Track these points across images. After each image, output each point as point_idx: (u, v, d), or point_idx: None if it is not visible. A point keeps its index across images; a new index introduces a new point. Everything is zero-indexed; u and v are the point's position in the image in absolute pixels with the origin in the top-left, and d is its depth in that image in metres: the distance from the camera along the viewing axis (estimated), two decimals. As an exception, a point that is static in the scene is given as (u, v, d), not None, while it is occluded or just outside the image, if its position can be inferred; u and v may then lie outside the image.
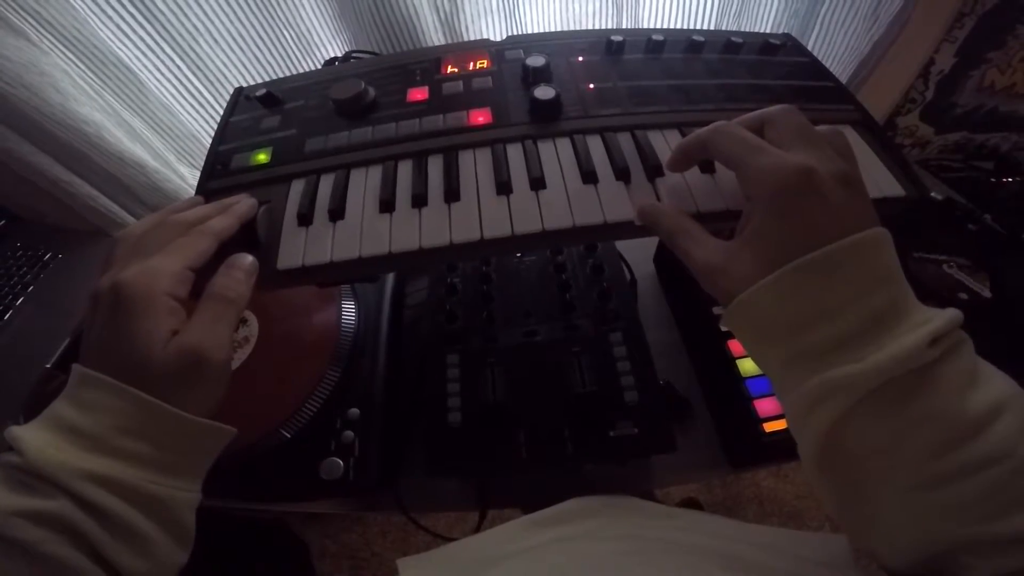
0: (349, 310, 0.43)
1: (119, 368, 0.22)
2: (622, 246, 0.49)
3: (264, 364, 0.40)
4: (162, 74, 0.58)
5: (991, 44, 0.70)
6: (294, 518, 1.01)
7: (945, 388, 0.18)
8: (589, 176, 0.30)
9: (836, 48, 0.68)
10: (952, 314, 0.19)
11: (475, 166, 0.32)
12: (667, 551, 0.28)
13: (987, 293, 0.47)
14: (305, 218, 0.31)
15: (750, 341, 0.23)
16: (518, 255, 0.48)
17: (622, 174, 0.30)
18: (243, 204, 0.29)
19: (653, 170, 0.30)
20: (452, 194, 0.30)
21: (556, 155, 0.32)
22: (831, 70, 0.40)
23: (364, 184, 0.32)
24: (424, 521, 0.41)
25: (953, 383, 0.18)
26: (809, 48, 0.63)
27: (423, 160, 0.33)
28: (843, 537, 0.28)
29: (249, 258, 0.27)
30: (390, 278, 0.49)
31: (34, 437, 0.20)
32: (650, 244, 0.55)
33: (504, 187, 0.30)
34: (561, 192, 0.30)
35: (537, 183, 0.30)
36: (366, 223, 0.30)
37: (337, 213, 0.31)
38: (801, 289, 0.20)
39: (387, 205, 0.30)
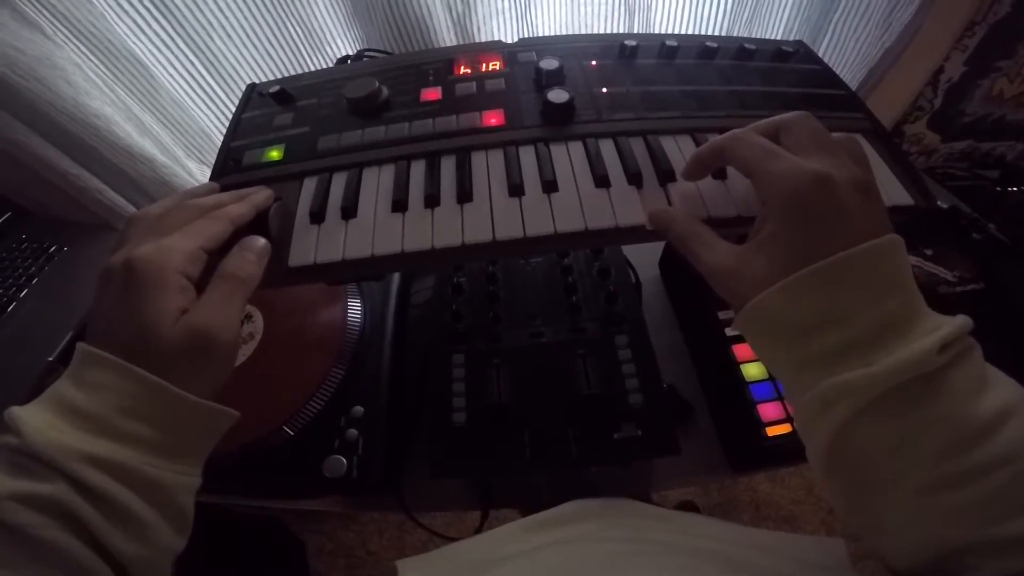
0: (355, 308, 0.43)
1: (125, 346, 0.21)
2: (627, 249, 0.49)
3: (268, 361, 0.40)
4: (175, 69, 0.58)
5: (1001, 53, 0.70)
6: (290, 516, 1.01)
7: (953, 393, 0.19)
8: (601, 180, 0.30)
9: (847, 55, 0.68)
10: (961, 321, 0.20)
11: (487, 168, 0.32)
12: (665, 553, 0.28)
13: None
14: (317, 216, 0.31)
15: (761, 344, 0.24)
16: (525, 257, 0.48)
17: (634, 179, 0.30)
18: (260, 194, 0.30)
19: (665, 175, 0.30)
20: (465, 195, 0.30)
21: (568, 158, 0.32)
22: (841, 76, 0.40)
23: (377, 183, 0.32)
24: (424, 520, 0.41)
25: (962, 388, 0.19)
26: (820, 54, 0.63)
27: (436, 160, 0.33)
28: (840, 540, 0.28)
29: (261, 241, 0.27)
30: (396, 277, 0.49)
31: (34, 418, 0.20)
32: (655, 248, 0.55)
33: (516, 189, 0.30)
34: (573, 195, 0.30)
35: (549, 186, 0.30)
36: (379, 222, 0.30)
37: (349, 211, 0.31)
38: (814, 294, 0.20)
39: (400, 205, 0.31)
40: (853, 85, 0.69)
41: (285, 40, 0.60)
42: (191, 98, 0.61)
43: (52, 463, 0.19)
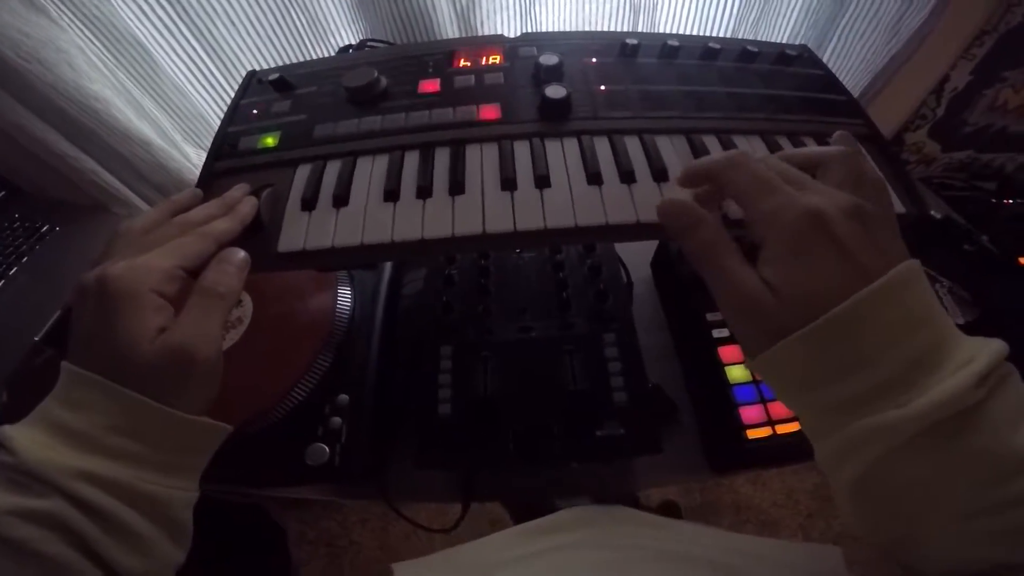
0: (344, 296, 0.43)
1: (107, 365, 0.21)
2: (620, 249, 0.49)
3: (255, 346, 0.40)
4: (177, 55, 0.58)
5: (1009, 63, 0.69)
6: (272, 503, 1.00)
7: (993, 425, 0.18)
8: (594, 177, 0.30)
9: (852, 60, 0.67)
10: (998, 347, 0.19)
11: (481, 161, 0.32)
12: (663, 561, 0.28)
13: (962, 320, 0.47)
14: (309, 203, 0.31)
15: (780, 390, 0.22)
16: (517, 251, 0.48)
17: (627, 177, 0.30)
18: (246, 206, 0.29)
19: (659, 174, 0.30)
20: (457, 187, 0.30)
21: (563, 154, 0.32)
22: (845, 81, 0.40)
23: (370, 172, 0.32)
24: (406, 511, 0.41)
25: (1001, 419, 0.18)
26: (825, 59, 0.63)
27: (430, 152, 0.33)
28: (837, 548, 0.28)
29: (241, 253, 0.26)
30: (387, 267, 0.48)
31: (25, 437, 0.20)
32: (647, 248, 0.55)
33: (509, 183, 0.30)
34: (565, 191, 0.30)
35: (542, 181, 0.30)
36: (370, 211, 0.30)
37: (341, 199, 0.31)
38: (832, 343, 0.19)
39: (392, 194, 0.31)
40: (857, 90, 0.68)
41: (289, 29, 0.60)
42: (192, 84, 0.61)
43: (47, 480, 0.19)
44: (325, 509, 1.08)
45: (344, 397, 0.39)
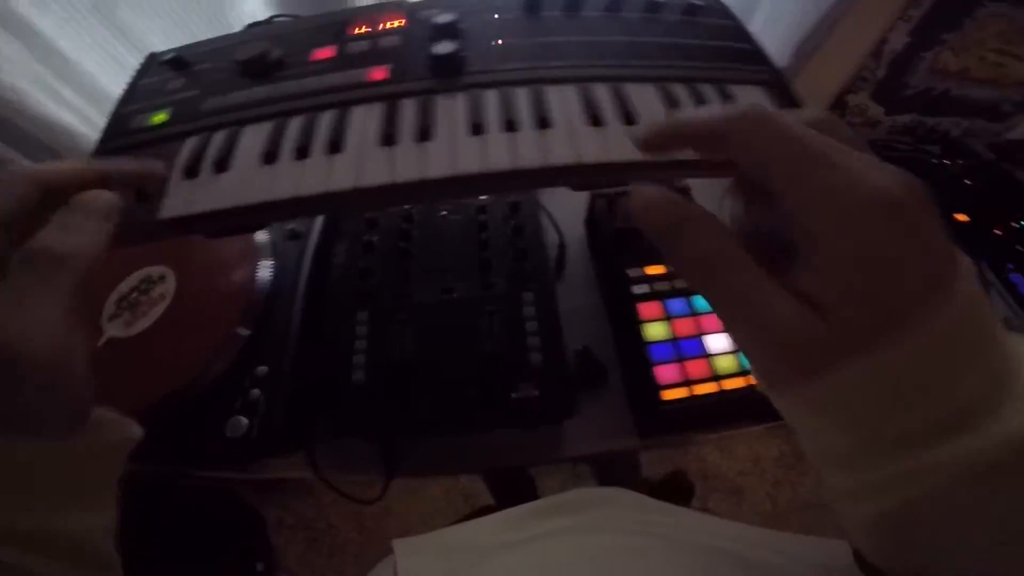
0: (265, 268, 0.43)
1: None
2: (554, 208, 0.49)
3: (175, 322, 0.39)
4: (84, 42, 0.56)
5: (948, 26, 0.69)
6: (248, 489, 1.00)
7: None
8: (476, 128, 0.30)
9: (784, 15, 0.67)
10: None
11: (365, 120, 0.32)
12: (676, 549, 0.27)
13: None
14: (191, 171, 0.31)
15: (814, 427, 0.17)
16: (443, 212, 0.48)
17: (509, 126, 0.30)
18: (122, 163, 0.27)
19: (541, 122, 0.30)
20: (334, 145, 0.30)
21: (451, 109, 0.32)
22: (776, 39, 0.39)
23: (255, 139, 0.32)
24: (364, 494, 0.40)
25: None
26: (754, 16, 0.62)
27: (315, 115, 0.33)
28: (845, 543, 0.25)
29: (104, 195, 0.19)
30: (313, 237, 0.48)
31: None
32: (582, 207, 0.54)
33: (388, 139, 0.30)
34: (446, 143, 0.30)
35: (423, 134, 0.30)
36: (249, 173, 0.30)
37: (222, 165, 0.31)
38: (909, 367, 0.14)
39: (269, 156, 0.30)
40: (791, 49, 0.68)
41: (196, 7, 0.58)
42: (103, 70, 0.60)
43: None
44: (300, 492, 1.08)
45: (263, 369, 0.39)
